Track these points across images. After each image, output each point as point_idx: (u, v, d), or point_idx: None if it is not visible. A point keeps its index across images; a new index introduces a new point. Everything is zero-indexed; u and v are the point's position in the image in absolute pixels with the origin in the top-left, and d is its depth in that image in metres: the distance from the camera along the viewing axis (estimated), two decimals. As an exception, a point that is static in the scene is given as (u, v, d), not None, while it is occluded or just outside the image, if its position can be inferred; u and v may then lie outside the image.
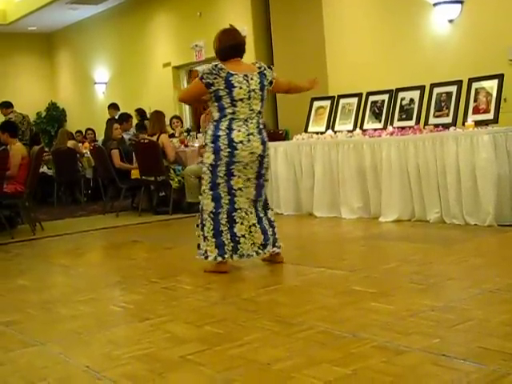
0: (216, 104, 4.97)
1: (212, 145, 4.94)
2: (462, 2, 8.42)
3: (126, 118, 10.99)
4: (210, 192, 4.98)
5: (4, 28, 16.31)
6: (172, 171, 9.05)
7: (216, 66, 4.94)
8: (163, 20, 14.20)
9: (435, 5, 8.63)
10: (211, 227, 4.98)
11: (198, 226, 5.14)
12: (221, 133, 4.92)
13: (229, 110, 4.93)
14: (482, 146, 6.17)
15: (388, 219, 6.87)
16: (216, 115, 4.98)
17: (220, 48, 5.06)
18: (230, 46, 5.03)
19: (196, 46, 13.10)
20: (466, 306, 3.62)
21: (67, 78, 18.09)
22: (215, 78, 4.90)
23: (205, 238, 5.02)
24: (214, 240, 4.97)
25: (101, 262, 6.61)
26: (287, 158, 8.04)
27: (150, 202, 9.50)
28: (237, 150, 4.90)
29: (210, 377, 2.88)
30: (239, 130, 4.92)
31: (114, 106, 12.80)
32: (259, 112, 5.05)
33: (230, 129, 4.91)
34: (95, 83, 16.65)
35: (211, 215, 4.98)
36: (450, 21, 8.56)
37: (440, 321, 3.37)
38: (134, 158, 9.35)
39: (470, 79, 6.90)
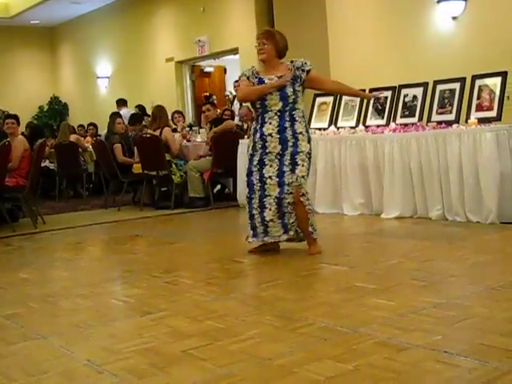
0: (302, 97, 5.35)
1: (307, 134, 5.26)
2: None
3: (139, 119, 10.82)
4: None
5: (6, 21, 16.29)
6: (174, 166, 9.04)
7: None
8: (166, 15, 14.20)
9: (439, 2, 8.62)
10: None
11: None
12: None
13: None
14: (485, 143, 6.16)
15: (390, 216, 6.87)
16: (301, 107, 5.30)
17: (286, 46, 5.46)
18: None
19: (199, 41, 13.10)
20: (468, 303, 3.62)
21: (70, 73, 18.09)
22: None
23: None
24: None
25: (102, 256, 6.61)
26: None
27: (152, 196, 9.50)
28: None
29: (212, 371, 2.87)
30: None
31: (122, 102, 12.84)
32: None
33: None
34: (98, 77, 16.65)
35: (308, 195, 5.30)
36: (454, 18, 8.55)
37: (442, 317, 3.37)
38: (136, 153, 9.35)
39: (473, 76, 6.88)
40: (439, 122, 6.82)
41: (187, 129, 10.59)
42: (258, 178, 5.20)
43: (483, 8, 8.25)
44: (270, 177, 5.17)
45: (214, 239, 6.66)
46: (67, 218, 8.87)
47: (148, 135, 9.16)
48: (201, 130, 9.99)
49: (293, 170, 5.14)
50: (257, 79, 5.27)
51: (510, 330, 3.12)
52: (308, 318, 3.50)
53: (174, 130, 10.07)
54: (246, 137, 9.24)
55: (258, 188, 5.20)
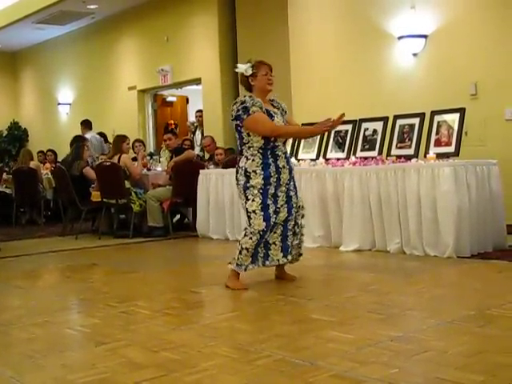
0: None
1: None
2: (425, 37, 8.57)
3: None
4: None
5: (-32, 44, 16.16)
6: (134, 194, 8.98)
7: None
8: (130, 43, 14.20)
9: (400, 38, 8.77)
10: None
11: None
12: None
13: None
14: (443, 178, 6.24)
15: (349, 248, 6.89)
16: None
17: None
18: None
19: (162, 70, 13.11)
20: (424, 337, 3.63)
21: (31, 98, 17.95)
22: None
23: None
24: None
25: (58, 284, 6.50)
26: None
27: (111, 225, 9.41)
28: None
29: (166, 403, 2.83)
30: None
31: (87, 125, 12.48)
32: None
33: None
34: (59, 104, 16.52)
35: None
36: (414, 54, 8.70)
37: (399, 351, 3.37)
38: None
39: (432, 112, 6.99)
40: (398, 157, 6.90)
41: (148, 157, 10.55)
42: (273, 210, 5.21)
43: (443, 45, 8.41)
44: (282, 205, 5.27)
45: (172, 269, 6.60)
46: (24, 245, 8.73)
47: (108, 163, 9.11)
48: (161, 159, 9.96)
49: (295, 193, 5.40)
50: (265, 111, 5.19)
51: (465, 363, 3.13)
52: (265, 350, 3.48)
53: (134, 159, 10.02)
54: (212, 166, 9.22)
55: (274, 219, 5.22)
